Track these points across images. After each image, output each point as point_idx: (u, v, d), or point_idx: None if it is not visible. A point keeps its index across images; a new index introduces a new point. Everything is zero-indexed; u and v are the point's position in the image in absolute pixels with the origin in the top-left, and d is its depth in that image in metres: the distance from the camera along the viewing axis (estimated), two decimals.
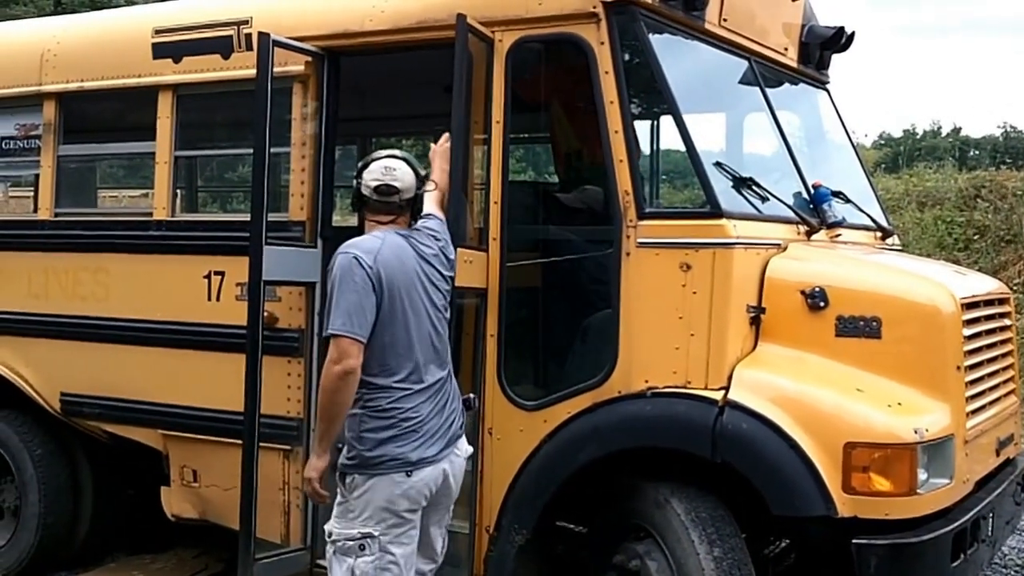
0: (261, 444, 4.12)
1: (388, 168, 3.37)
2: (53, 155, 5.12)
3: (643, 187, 3.98)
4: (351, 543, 3.22)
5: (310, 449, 3.27)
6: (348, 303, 3.17)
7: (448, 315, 3.48)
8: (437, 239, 3.49)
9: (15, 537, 5.19)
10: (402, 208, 3.40)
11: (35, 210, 5.26)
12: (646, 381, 3.70)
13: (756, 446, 3.48)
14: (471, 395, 3.65)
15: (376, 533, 3.21)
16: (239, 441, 4.13)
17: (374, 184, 3.36)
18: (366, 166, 3.40)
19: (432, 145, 3.84)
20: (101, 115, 5.54)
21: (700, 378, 3.64)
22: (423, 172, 3.49)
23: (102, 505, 5.29)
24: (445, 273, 3.47)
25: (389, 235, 3.35)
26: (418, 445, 3.24)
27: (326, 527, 3.34)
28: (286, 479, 4.39)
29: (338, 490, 3.32)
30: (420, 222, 3.49)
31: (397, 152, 3.47)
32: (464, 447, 3.47)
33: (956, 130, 40.00)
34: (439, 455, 3.30)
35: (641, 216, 3.73)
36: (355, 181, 3.42)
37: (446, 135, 3.77)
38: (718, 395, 3.58)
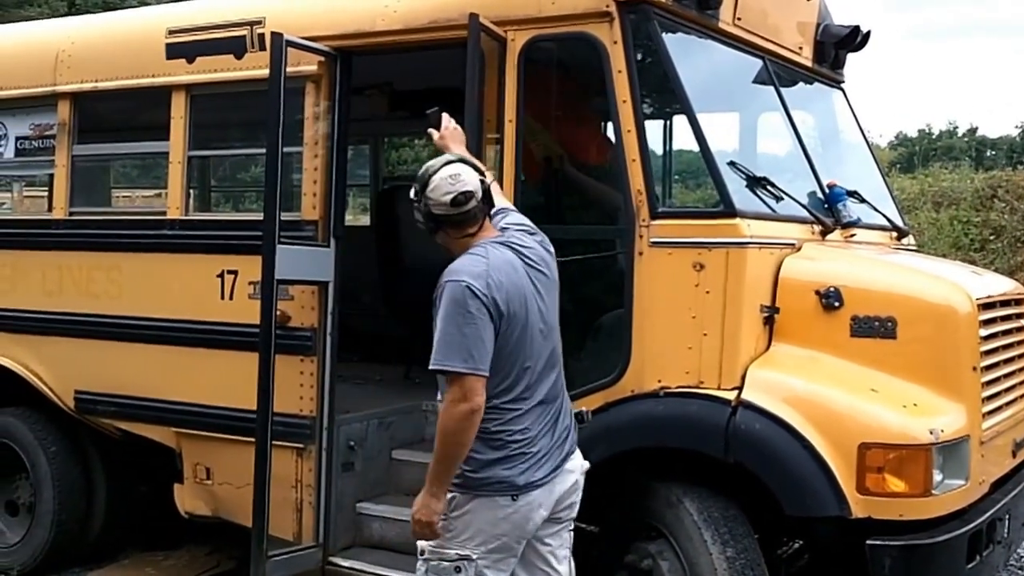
0: (274, 442, 4.14)
1: (454, 176, 3.06)
2: (67, 155, 5.14)
3: (656, 186, 3.96)
4: (446, 564, 3.02)
5: (426, 489, 3.00)
6: (466, 337, 2.90)
7: (556, 319, 3.18)
8: (532, 233, 3.21)
9: (30, 533, 5.22)
10: (482, 211, 3.11)
11: (49, 209, 5.29)
12: (659, 381, 3.69)
13: (769, 446, 3.46)
14: (584, 409, 3.42)
15: (474, 556, 3.01)
16: (252, 439, 4.14)
17: (448, 198, 3.04)
18: (425, 185, 3.08)
19: (432, 132, 3.51)
20: (115, 115, 5.57)
21: (713, 378, 3.62)
22: (477, 164, 3.22)
23: (115, 502, 5.31)
24: (552, 276, 3.17)
25: (491, 249, 3.04)
26: (527, 468, 3.00)
27: (419, 543, 3.10)
28: (299, 477, 4.40)
29: None
30: (503, 219, 3.21)
31: (450, 157, 3.17)
32: (576, 462, 3.19)
33: (972, 130, 39.85)
34: (548, 477, 3.05)
35: (654, 216, 3.72)
36: (420, 205, 3.10)
37: (444, 115, 3.53)
38: (731, 395, 3.57)
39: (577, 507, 3.22)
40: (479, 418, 2.92)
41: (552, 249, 3.25)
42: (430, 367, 2.97)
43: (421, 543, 3.09)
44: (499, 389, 2.99)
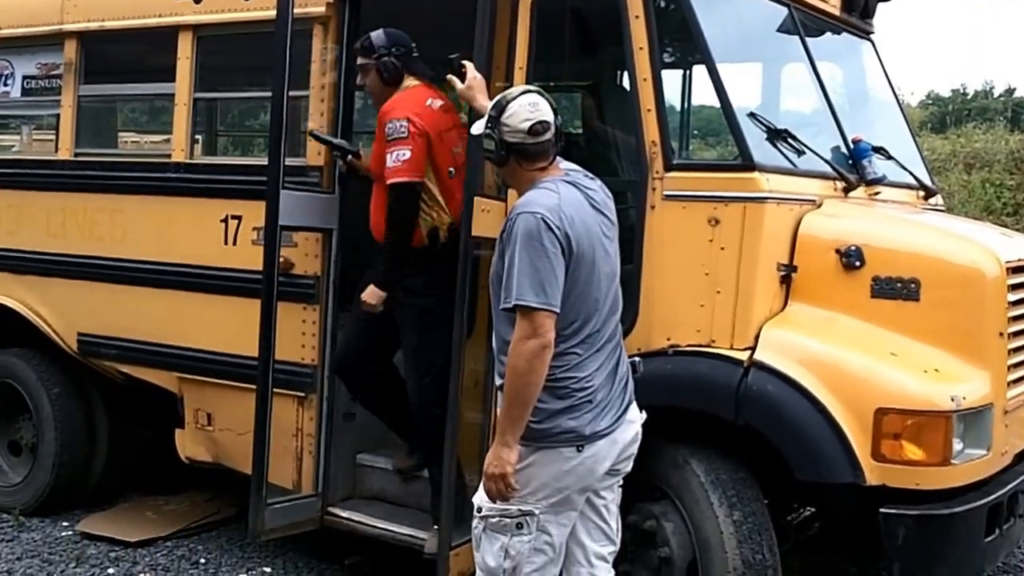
0: (275, 390, 4.08)
1: (533, 104, 2.97)
2: (74, 95, 5.08)
3: (672, 139, 3.81)
4: (508, 520, 2.93)
5: (497, 440, 2.88)
6: (538, 271, 2.80)
7: (618, 264, 3.10)
8: (593, 179, 3.10)
9: (31, 474, 5.24)
10: (554, 147, 3.02)
11: (55, 150, 5.22)
12: (668, 339, 3.57)
13: (781, 409, 3.35)
14: (636, 359, 3.27)
15: (536, 511, 2.92)
16: (253, 386, 4.08)
17: (526, 125, 2.95)
18: (502, 111, 2.97)
19: (454, 79, 3.43)
20: (122, 55, 5.49)
21: (725, 337, 3.50)
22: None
23: (117, 445, 5.30)
24: (613, 220, 3.08)
25: (561, 186, 2.96)
26: (592, 417, 2.92)
27: (475, 500, 3.01)
28: (299, 425, 4.35)
29: None
30: (561, 163, 3.10)
31: (529, 87, 3.08)
32: (635, 412, 3.10)
33: (1010, 91, 38.61)
34: (612, 427, 2.97)
35: (668, 168, 3.58)
36: (491, 132, 2.99)
37: (469, 65, 3.42)
38: (743, 355, 3.45)
39: (633, 459, 3.12)
40: (549, 356, 2.82)
41: (611, 194, 3.13)
42: (501, 308, 2.87)
43: (476, 499, 2.99)
44: (565, 332, 2.89)
